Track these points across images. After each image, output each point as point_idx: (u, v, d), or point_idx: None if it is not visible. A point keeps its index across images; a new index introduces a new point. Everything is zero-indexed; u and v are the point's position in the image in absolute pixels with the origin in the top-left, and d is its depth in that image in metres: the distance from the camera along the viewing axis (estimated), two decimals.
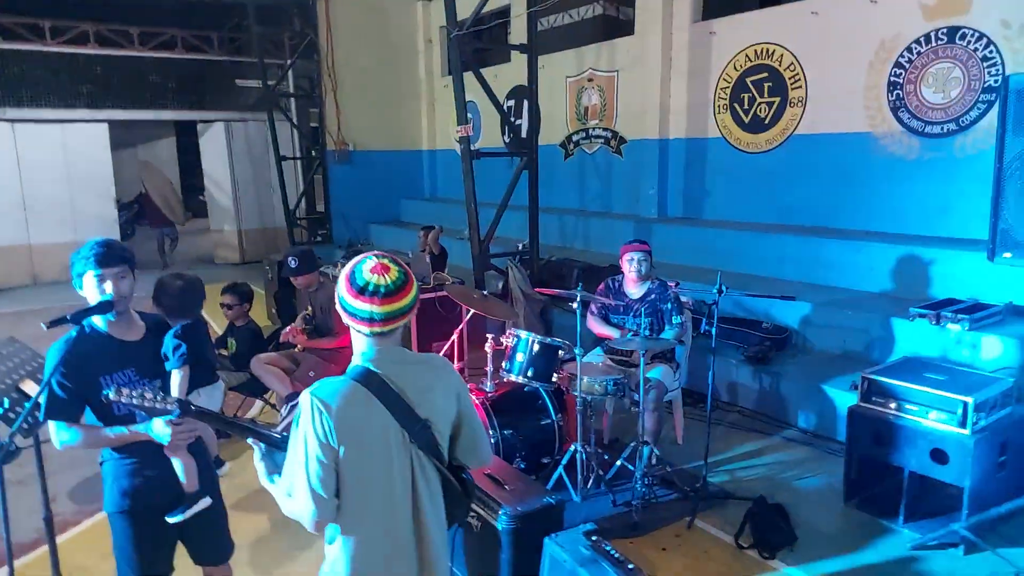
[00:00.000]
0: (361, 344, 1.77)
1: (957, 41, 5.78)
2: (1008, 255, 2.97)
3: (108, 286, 2.29)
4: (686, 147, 8.25)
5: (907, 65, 6.12)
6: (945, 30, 5.83)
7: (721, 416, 5.31)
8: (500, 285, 7.26)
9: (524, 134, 10.18)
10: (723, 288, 3.85)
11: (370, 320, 1.70)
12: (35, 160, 10.91)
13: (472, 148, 6.88)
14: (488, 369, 4.17)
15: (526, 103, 10.28)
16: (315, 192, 13.38)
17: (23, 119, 10.82)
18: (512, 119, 10.73)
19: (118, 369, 2.37)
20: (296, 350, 4.68)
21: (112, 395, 1.96)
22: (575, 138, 9.80)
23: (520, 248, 7.58)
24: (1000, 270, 5.22)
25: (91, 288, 2.30)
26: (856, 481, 4.01)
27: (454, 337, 4.56)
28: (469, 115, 7.09)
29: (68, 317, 2.21)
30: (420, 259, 5.68)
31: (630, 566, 2.64)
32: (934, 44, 5.92)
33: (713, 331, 3.90)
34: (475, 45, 7.03)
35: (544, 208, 7.62)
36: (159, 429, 2.33)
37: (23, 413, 2.30)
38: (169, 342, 2.46)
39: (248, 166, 12.82)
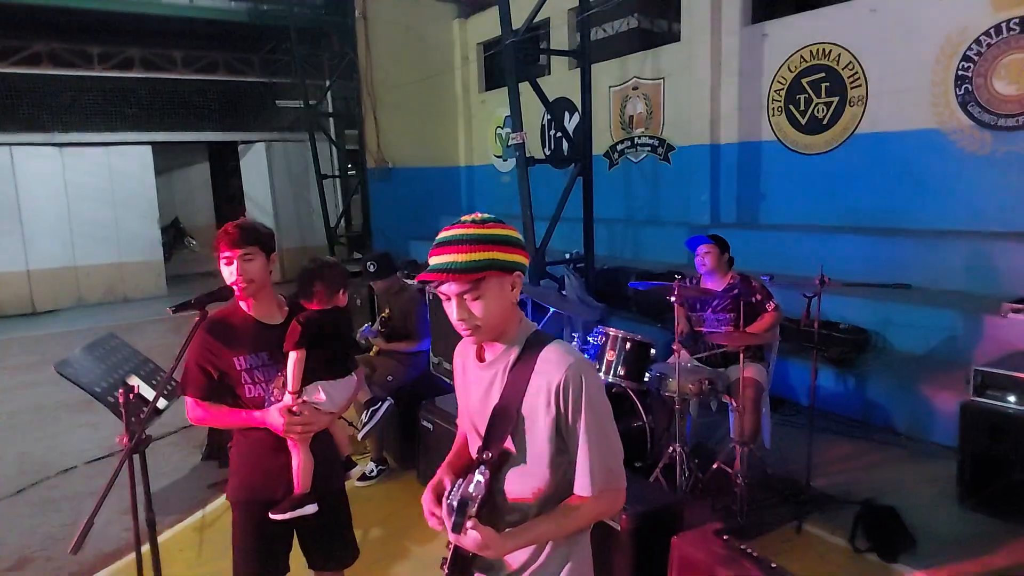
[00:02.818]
0: (517, 310, 1.58)
1: None
2: None
3: (232, 269, 2.24)
4: (738, 151, 8.13)
5: (976, 58, 5.97)
6: (1017, 20, 5.69)
7: (805, 420, 5.11)
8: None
9: (565, 146, 10.20)
10: (824, 279, 3.69)
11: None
12: (81, 183, 11.07)
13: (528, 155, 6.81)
14: None
15: (567, 115, 10.35)
16: (353, 210, 13.44)
17: (70, 143, 11.02)
18: (553, 132, 10.72)
19: (252, 351, 2.32)
20: (372, 353, 4.59)
21: None
22: (619, 147, 9.72)
23: (573, 256, 7.47)
24: None
25: (223, 270, 2.27)
26: (971, 481, 3.80)
27: None
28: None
29: (192, 301, 2.15)
30: None
31: (772, 565, 2.48)
32: (1005, 35, 5.77)
33: (815, 327, 3.73)
34: (527, 51, 6.96)
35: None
36: (273, 418, 2.26)
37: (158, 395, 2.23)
38: (292, 325, 2.36)
39: (288, 185, 12.92)
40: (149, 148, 11.66)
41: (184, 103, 12.10)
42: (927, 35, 6.25)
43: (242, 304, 2.36)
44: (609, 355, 3.90)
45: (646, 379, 3.94)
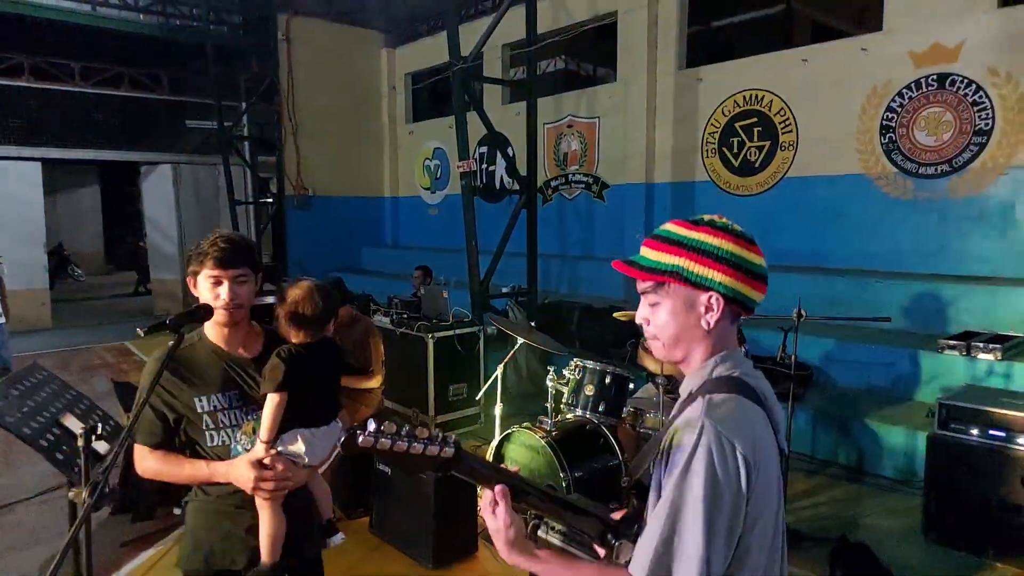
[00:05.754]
0: (715, 342, 1.30)
1: (947, 87, 6.07)
2: None
3: (223, 291, 1.88)
4: (672, 191, 8.29)
5: (899, 110, 6.38)
6: (935, 76, 6.13)
7: None
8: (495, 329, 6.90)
9: (498, 180, 10.11)
10: (803, 312, 3.67)
11: (765, 280, 1.29)
12: None
13: (473, 185, 6.61)
14: (549, 405, 3.80)
15: (498, 151, 10.29)
16: (266, 238, 12.74)
17: None
18: (485, 166, 10.62)
19: (219, 390, 1.95)
20: None
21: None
22: (553, 183, 9.72)
23: (514, 289, 7.28)
24: (1006, 303, 5.39)
25: (205, 290, 1.90)
26: (936, 514, 3.84)
27: (497, 373, 4.16)
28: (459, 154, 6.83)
29: (167, 321, 1.77)
30: (436, 293, 5.28)
31: None
32: (924, 90, 6.20)
33: (794, 357, 3.69)
34: (474, 78, 6.83)
35: (522, 253, 7.40)
36: (240, 472, 1.88)
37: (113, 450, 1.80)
38: (272, 360, 1.99)
39: (196, 211, 12.05)
40: (38, 165, 10.55)
41: (81, 118, 11.06)
42: (854, 86, 6.63)
43: (208, 332, 2.00)
44: (588, 390, 3.69)
45: (623, 414, 3.76)
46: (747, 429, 1.18)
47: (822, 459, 5.08)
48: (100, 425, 1.61)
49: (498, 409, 4.14)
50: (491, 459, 3.93)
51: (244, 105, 11.71)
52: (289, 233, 11.59)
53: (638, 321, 1.36)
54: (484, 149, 10.54)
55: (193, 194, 12.00)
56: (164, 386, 1.91)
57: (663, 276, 1.27)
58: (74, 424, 1.95)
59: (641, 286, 1.32)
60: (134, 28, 10.78)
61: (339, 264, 11.98)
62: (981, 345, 4.85)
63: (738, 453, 1.14)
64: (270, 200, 11.74)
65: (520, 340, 3.97)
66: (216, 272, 1.87)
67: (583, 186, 9.36)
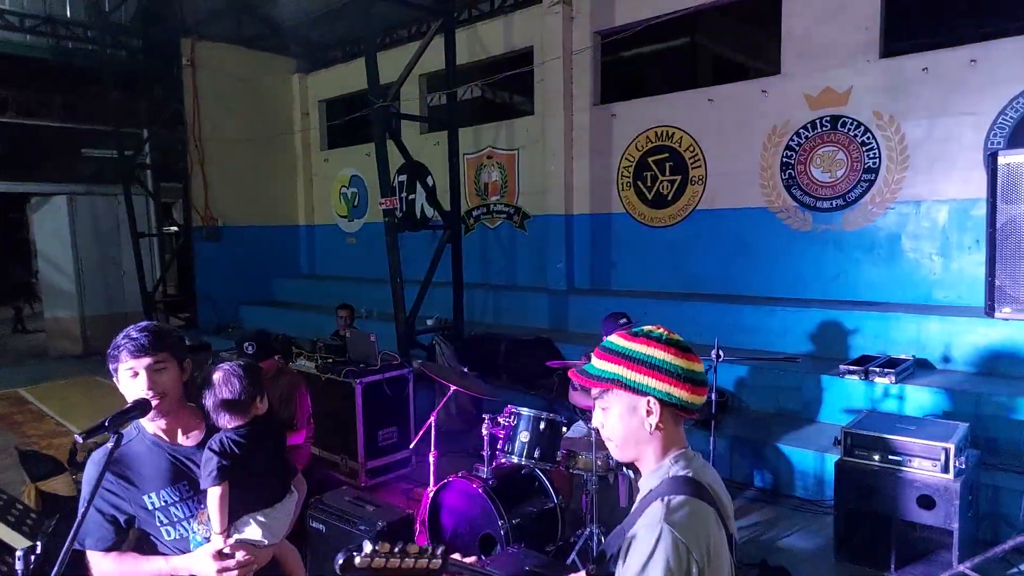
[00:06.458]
0: (663, 443, 1.42)
1: (839, 128, 6.60)
2: (1007, 310, 3.31)
3: (140, 381, 1.83)
4: (591, 222, 8.54)
5: (797, 148, 6.86)
6: (828, 118, 6.65)
7: None
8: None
9: (418, 209, 10.10)
10: (720, 353, 3.88)
11: (705, 385, 1.42)
12: None
13: (396, 220, 6.59)
14: (485, 453, 3.82)
15: (418, 181, 10.29)
16: (173, 271, 12.16)
17: None
18: (405, 194, 10.57)
19: (167, 484, 1.91)
20: None
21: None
22: (475, 213, 9.80)
23: (439, 323, 7.28)
24: (896, 327, 5.89)
25: (125, 384, 1.85)
26: (845, 534, 4.12)
27: (431, 420, 4.15)
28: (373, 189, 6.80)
29: (106, 423, 1.71)
30: (363, 338, 5.20)
31: None
32: (819, 130, 6.71)
33: (713, 397, 3.89)
34: (394, 115, 6.83)
35: (446, 283, 7.50)
36: (201, 565, 1.85)
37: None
38: (205, 453, 1.95)
39: (94, 244, 11.31)
40: None
41: None
42: (756, 125, 7.08)
43: (145, 424, 1.95)
44: (523, 436, 3.75)
45: (558, 458, 3.83)
46: (702, 532, 1.30)
47: (739, 482, 5.34)
48: (40, 544, 1.51)
49: (432, 457, 4.13)
50: (429, 509, 3.92)
51: (146, 132, 11.16)
52: (197, 265, 11.10)
53: (594, 426, 1.50)
54: (403, 178, 10.47)
55: (91, 226, 11.27)
56: (110, 489, 1.86)
57: (607, 383, 1.41)
58: (2, 531, 1.82)
59: (594, 392, 1.46)
60: (21, 50, 10.13)
61: (251, 296, 11.58)
62: (877, 370, 5.26)
63: (692, 557, 1.26)
64: (175, 230, 11.22)
65: (452, 388, 3.99)
66: (131, 363, 1.84)
67: (505, 216, 9.49)
